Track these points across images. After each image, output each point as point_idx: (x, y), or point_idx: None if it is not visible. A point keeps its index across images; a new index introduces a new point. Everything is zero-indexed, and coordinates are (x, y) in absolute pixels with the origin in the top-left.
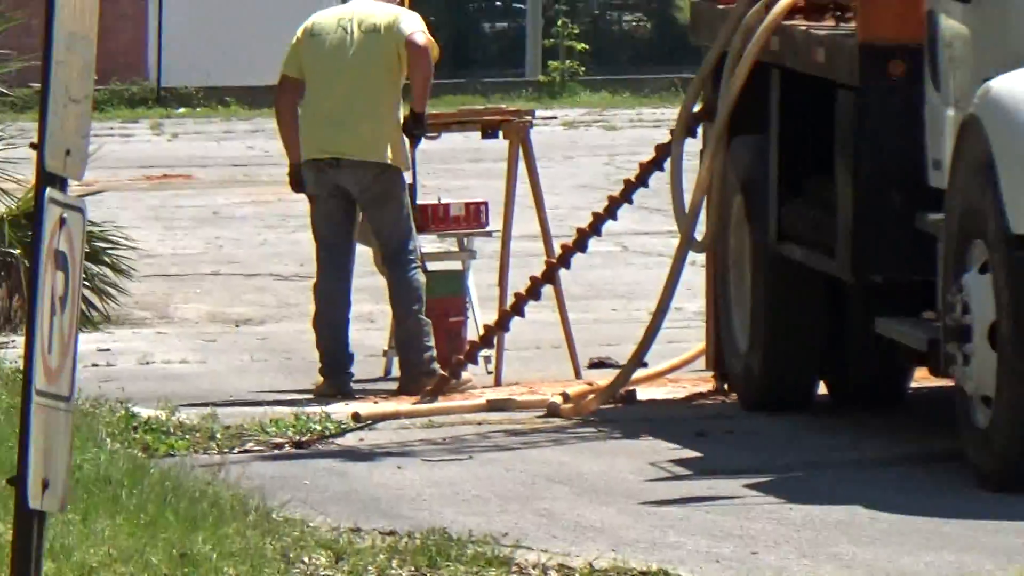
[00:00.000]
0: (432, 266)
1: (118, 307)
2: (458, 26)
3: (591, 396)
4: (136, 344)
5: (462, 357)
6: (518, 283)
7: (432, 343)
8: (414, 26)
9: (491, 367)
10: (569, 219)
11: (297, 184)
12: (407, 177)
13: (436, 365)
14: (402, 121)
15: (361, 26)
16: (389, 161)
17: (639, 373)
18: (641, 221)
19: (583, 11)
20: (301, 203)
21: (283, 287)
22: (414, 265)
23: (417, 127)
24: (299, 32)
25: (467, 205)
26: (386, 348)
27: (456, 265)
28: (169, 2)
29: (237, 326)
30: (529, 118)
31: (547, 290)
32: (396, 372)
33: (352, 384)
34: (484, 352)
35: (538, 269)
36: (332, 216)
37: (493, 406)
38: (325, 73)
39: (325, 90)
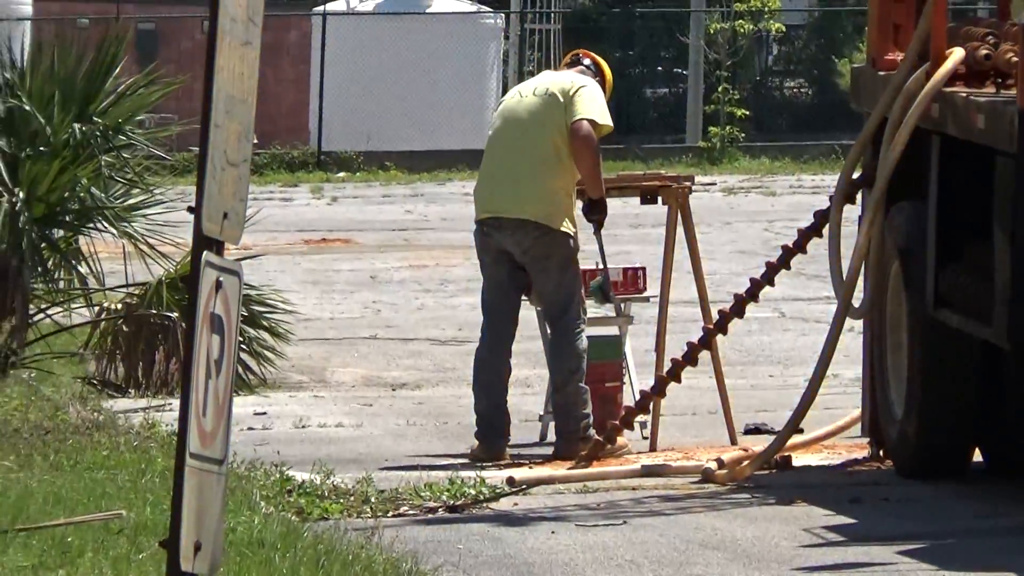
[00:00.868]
0: (590, 331)
1: (275, 371)
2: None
3: (746, 462)
4: (292, 408)
5: (618, 423)
6: (675, 349)
7: (589, 409)
8: (586, 109)
9: (647, 432)
10: (727, 285)
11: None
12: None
13: (592, 431)
14: (578, 199)
15: (535, 91)
16: (551, 222)
17: (795, 439)
18: (799, 287)
19: (744, 77)
20: (459, 267)
21: (440, 352)
22: (578, 330)
23: (593, 212)
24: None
25: (625, 271)
26: (542, 413)
27: (614, 330)
28: (331, 66)
29: (394, 390)
30: (688, 184)
31: (704, 356)
32: (552, 437)
33: (508, 449)
34: (640, 418)
35: (695, 335)
36: (496, 280)
37: (648, 471)
38: (495, 135)
39: (492, 151)
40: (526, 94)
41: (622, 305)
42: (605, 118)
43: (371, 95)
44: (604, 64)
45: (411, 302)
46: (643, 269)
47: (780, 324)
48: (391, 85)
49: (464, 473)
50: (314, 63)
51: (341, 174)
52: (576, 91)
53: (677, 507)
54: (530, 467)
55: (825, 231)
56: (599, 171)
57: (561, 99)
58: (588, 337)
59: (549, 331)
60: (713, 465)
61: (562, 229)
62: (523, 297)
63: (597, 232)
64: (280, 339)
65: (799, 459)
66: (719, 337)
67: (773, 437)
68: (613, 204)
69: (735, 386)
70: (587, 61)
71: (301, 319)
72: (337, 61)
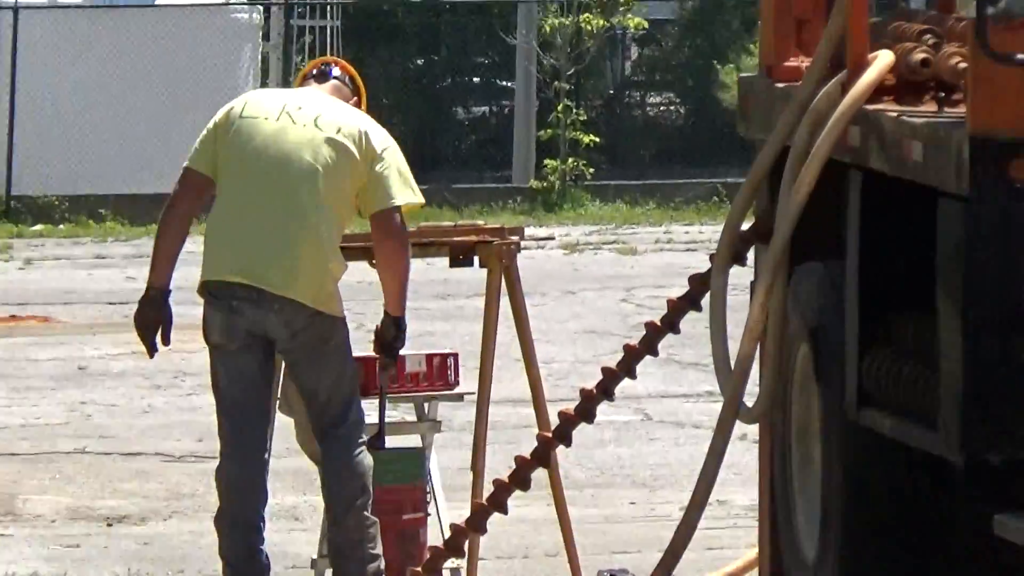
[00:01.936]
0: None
1: None
2: (422, 112)
3: None
4: None
5: (420, 570)
6: (499, 466)
7: (379, 550)
8: (397, 188)
9: None
10: (571, 377)
11: (148, 320)
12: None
13: None
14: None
15: (312, 120)
16: (327, 307)
17: None
18: (670, 380)
19: (593, 90)
20: (200, 354)
21: (174, 471)
22: (359, 441)
23: (394, 337)
24: (220, 115)
25: (429, 358)
26: (315, 556)
27: (414, 441)
28: (25, 79)
29: (110, 525)
30: (516, 238)
31: (540, 476)
32: None
33: None
34: (451, 562)
35: (527, 446)
36: (244, 374)
37: None
38: (257, 170)
39: (256, 193)
40: (295, 120)
41: (425, 406)
42: (417, 195)
43: (81, 119)
44: (359, 78)
45: (134, 403)
46: (454, 356)
47: (645, 431)
48: (109, 105)
49: None
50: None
51: (38, 227)
52: (379, 152)
53: None
54: None
55: (705, 302)
56: (406, 282)
57: (355, 152)
58: (379, 452)
59: (319, 444)
60: None
61: (335, 314)
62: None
63: (383, 371)
64: None
65: None
66: (560, 450)
67: None
68: (415, 266)
69: (583, 518)
70: (339, 73)
71: None
72: (33, 71)
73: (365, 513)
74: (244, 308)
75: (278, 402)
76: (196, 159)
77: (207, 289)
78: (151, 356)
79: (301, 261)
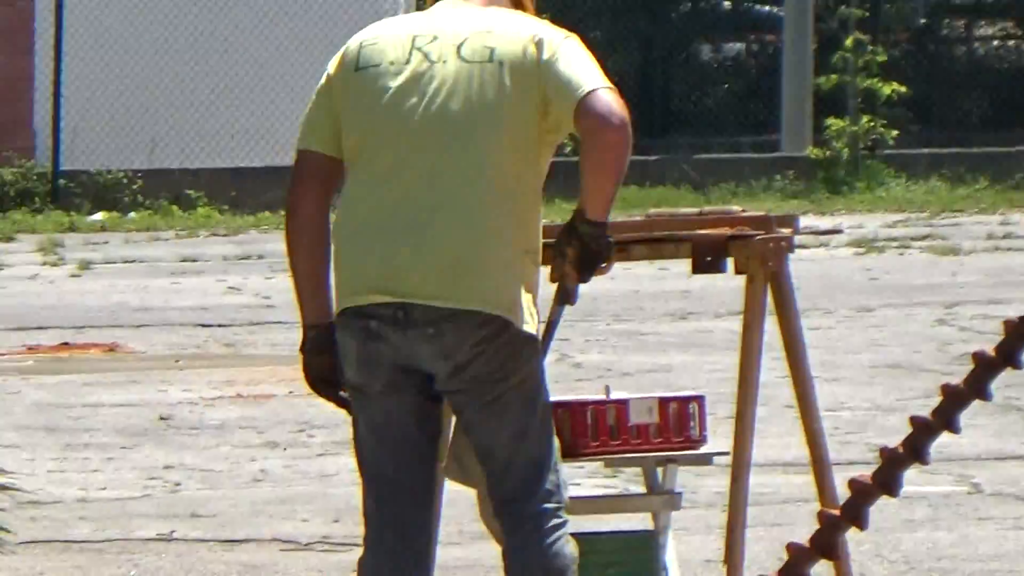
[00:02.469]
0: (592, 522)
1: None
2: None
3: None
4: None
5: None
6: (763, 557)
7: None
8: (590, 73)
9: None
10: (867, 430)
11: (323, 369)
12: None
13: None
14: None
15: (463, 50)
16: (511, 314)
17: None
18: (1007, 435)
19: (895, 18)
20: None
21: (298, 565)
22: (558, 523)
23: (604, 247)
24: (331, 67)
25: (663, 403)
26: None
27: (643, 522)
28: (73, 16)
29: None
30: (788, 232)
31: (824, 571)
32: None
33: None
34: None
35: (804, 529)
36: (393, 426)
37: None
38: (392, 141)
39: (387, 174)
40: (431, 57)
41: (658, 472)
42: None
43: (158, 63)
44: None
45: (241, 467)
46: (698, 400)
47: (972, 507)
48: (200, 44)
49: None
50: (40, 14)
51: (97, 216)
52: (557, 49)
53: None
54: None
55: None
56: (619, 178)
57: (527, 73)
58: (584, 536)
59: (502, 527)
60: None
61: (525, 329)
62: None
63: (558, 302)
64: None
65: None
66: (852, 535)
67: None
68: (635, 272)
69: None
70: None
71: (24, 501)
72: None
73: None
74: (386, 332)
75: (445, 464)
76: (310, 136)
77: (340, 310)
78: (350, 411)
79: (468, 254)
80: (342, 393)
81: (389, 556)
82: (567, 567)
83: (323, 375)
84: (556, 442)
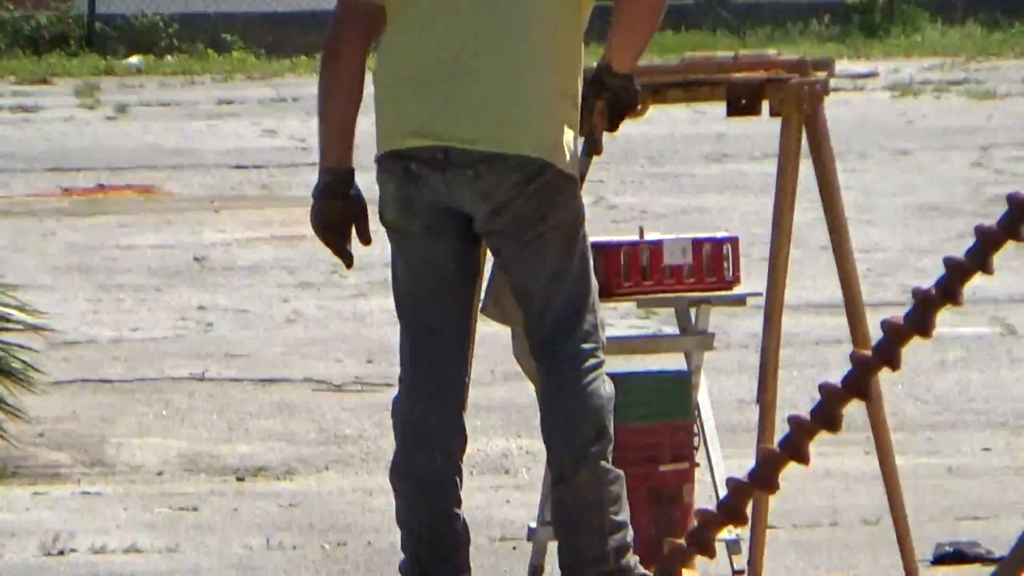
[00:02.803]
0: (628, 362)
1: (7, 445)
2: None
3: None
4: (40, 515)
5: (683, 542)
6: (796, 398)
7: (626, 515)
8: None
9: (742, 562)
10: (900, 272)
11: (333, 216)
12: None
13: (634, 559)
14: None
15: None
16: (553, 157)
17: None
18: None
19: None
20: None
21: (332, 406)
22: (595, 362)
23: (633, 95)
24: None
25: (697, 244)
26: (534, 524)
27: (677, 363)
28: None
29: (240, 479)
30: (824, 75)
31: (854, 413)
32: (554, 572)
33: None
34: (728, 532)
35: (837, 370)
36: (432, 267)
37: None
38: None
39: (428, 20)
40: None
41: (691, 312)
42: None
43: None
44: None
45: (274, 309)
46: (732, 242)
47: (1006, 349)
48: None
49: None
50: None
51: (134, 59)
52: None
53: None
54: None
55: None
56: (656, 22)
57: None
58: (617, 376)
59: (540, 367)
60: None
61: (566, 170)
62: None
63: (588, 154)
64: (16, 383)
65: None
66: (884, 376)
67: (992, 569)
68: (672, 116)
69: (916, 471)
70: None
71: (58, 342)
72: None
73: (604, 464)
74: (425, 173)
75: (483, 303)
76: None
77: (385, 154)
78: (348, 266)
79: (509, 99)
80: (346, 245)
81: (424, 396)
82: (603, 406)
83: (331, 222)
84: (594, 283)
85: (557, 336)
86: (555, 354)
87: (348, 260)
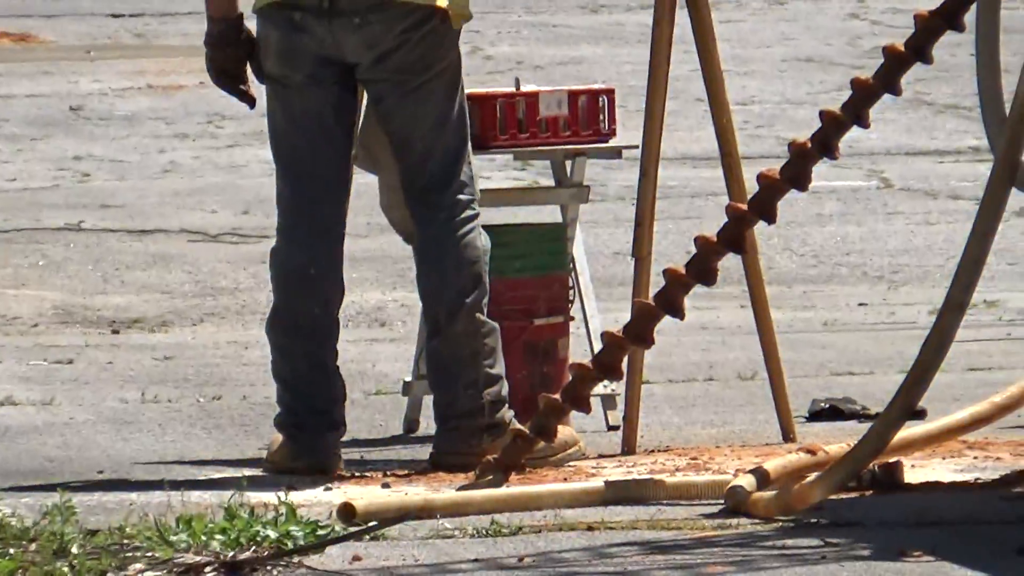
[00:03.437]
0: (501, 214)
1: None
2: None
3: (813, 476)
4: None
5: (560, 397)
6: (672, 251)
7: (500, 368)
8: None
9: (617, 417)
10: (777, 124)
11: (227, 62)
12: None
13: (509, 412)
14: None
15: None
16: (434, 4)
17: (908, 431)
18: (917, 129)
19: None
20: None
21: (207, 256)
22: (471, 213)
23: None
24: None
25: (573, 95)
26: (408, 379)
27: (552, 215)
28: None
29: (115, 332)
30: None
31: (730, 264)
32: (429, 426)
33: (341, 449)
34: (604, 387)
35: (713, 222)
36: (312, 118)
37: (618, 494)
38: None
39: None
40: None
41: (567, 164)
42: None
43: None
44: None
45: (150, 158)
46: (608, 93)
47: (882, 202)
48: None
49: (257, 496)
50: None
51: None
52: None
53: (676, 566)
54: (387, 485)
55: (970, 18)
56: None
57: None
58: (494, 228)
59: (414, 218)
60: (747, 482)
61: (451, 23)
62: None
63: None
64: None
65: (917, 470)
66: (760, 229)
67: (868, 426)
68: None
69: (792, 324)
70: None
71: None
72: None
73: (479, 316)
74: (310, 23)
75: (355, 153)
76: None
77: (261, 7)
78: (251, 106)
79: None
80: (243, 87)
81: (302, 243)
82: (479, 258)
83: (227, 68)
84: (469, 134)
85: (434, 186)
86: (432, 204)
87: (250, 101)
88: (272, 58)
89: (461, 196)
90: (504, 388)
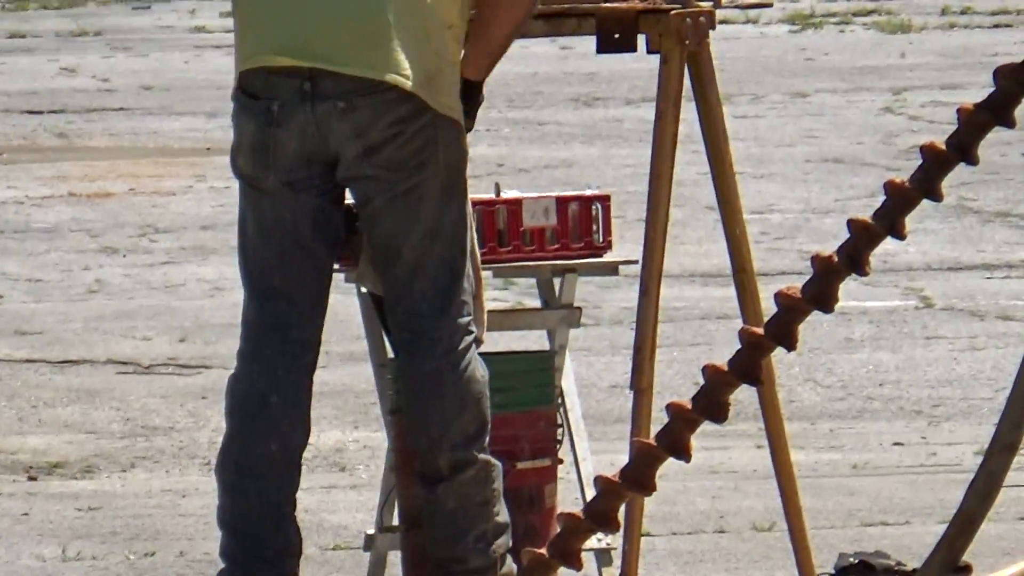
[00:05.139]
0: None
1: None
2: None
3: None
4: None
5: (544, 552)
6: (677, 383)
7: (506, 513)
8: None
9: (614, 572)
10: (799, 235)
11: None
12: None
13: (513, 567)
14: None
15: None
16: (435, 96)
17: None
18: (962, 241)
19: None
20: (183, 197)
21: (139, 390)
22: (470, 339)
23: (468, 102)
24: None
25: (563, 203)
26: (371, 531)
27: (539, 342)
28: None
29: (32, 479)
30: (708, 5)
31: (744, 398)
32: None
33: None
34: (599, 539)
35: (724, 350)
36: (287, 231)
37: None
38: None
39: None
40: None
41: (556, 283)
42: None
43: None
44: None
45: (74, 277)
46: (603, 201)
47: (920, 325)
48: None
49: None
50: None
51: None
52: None
53: None
54: None
55: (1020, 113)
56: (515, 31)
57: None
58: (489, 356)
59: (401, 342)
60: None
61: (448, 114)
62: (337, 266)
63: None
64: None
65: None
66: (779, 357)
67: None
68: (538, 52)
69: (816, 468)
70: None
71: None
72: None
73: (486, 458)
74: (290, 114)
75: (359, 271)
76: None
77: (240, 87)
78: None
79: (383, 18)
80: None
81: (266, 368)
82: (482, 393)
83: None
84: (474, 244)
85: (429, 310)
86: (427, 331)
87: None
88: (245, 154)
89: (460, 319)
90: (509, 537)
